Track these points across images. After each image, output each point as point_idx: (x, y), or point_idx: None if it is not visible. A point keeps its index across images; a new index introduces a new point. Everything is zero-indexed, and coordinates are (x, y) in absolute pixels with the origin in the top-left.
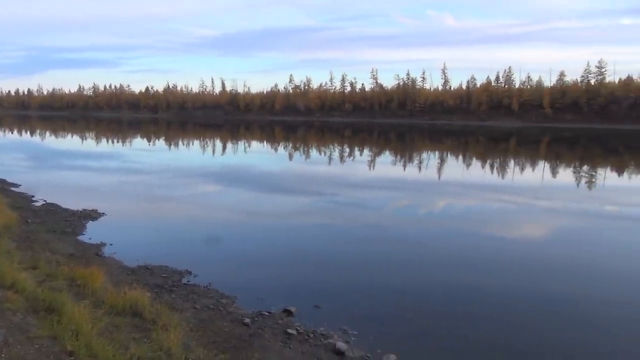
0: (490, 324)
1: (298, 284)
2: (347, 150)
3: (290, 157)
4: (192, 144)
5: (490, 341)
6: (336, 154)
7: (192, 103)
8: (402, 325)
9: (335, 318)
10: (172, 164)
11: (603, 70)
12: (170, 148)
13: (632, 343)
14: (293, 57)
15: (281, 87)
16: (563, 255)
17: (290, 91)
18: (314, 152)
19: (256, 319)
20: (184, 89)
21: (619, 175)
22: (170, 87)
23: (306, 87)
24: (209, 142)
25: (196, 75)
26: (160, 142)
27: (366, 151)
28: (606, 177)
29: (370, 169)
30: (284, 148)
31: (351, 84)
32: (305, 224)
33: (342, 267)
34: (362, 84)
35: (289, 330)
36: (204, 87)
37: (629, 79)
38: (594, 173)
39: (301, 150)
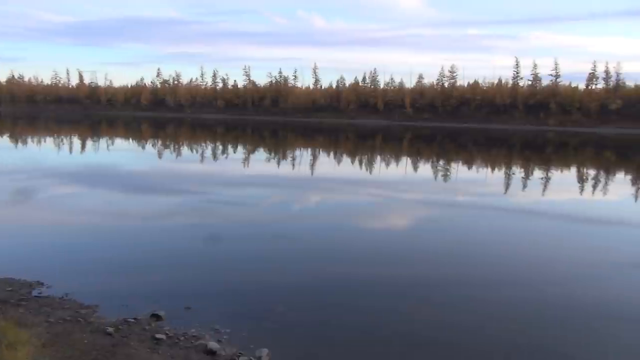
0: (359, 312)
1: (167, 286)
2: (220, 147)
3: (160, 155)
4: (44, 142)
5: (360, 329)
6: (208, 151)
7: (44, 96)
8: (275, 320)
9: (207, 318)
10: (19, 164)
11: (455, 74)
12: (16, 146)
13: (504, 321)
14: (161, 50)
15: (148, 82)
16: (430, 242)
17: (159, 86)
18: (184, 150)
19: (120, 327)
20: (32, 80)
21: (468, 168)
22: (16, 77)
23: (175, 82)
24: (64, 139)
25: (47, 65)
26: (4, 140)
27: (240, 148)
28: (458, 170)
29: (244, 166)
30: (152, 145)
31: (223, 81)
32: (174, 224)
33: (213, 266)
34: (235, 81)
35: (158, 335)
36: (58, 78)
37: (476, 83)
38: (448, 167)
39: (171, 147)
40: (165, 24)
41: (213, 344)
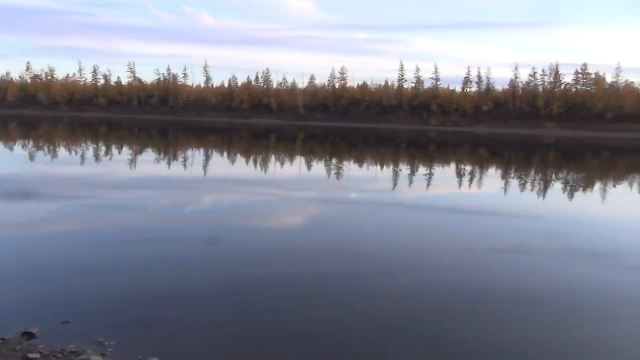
0: (253, 313)
1: (41, 301)
2: (103, 148)
3: (31, 157)
4: None
5: (254, 330)
6: (90, 152)
7: None
8: (163, 327)
9: (89, 331)
10: None
11: (345, 76)
12: None
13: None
14: (33, 43)
15: (15, 76)
16: (323, 239)
17: (29, 81)
18: (61, 151)
19: None
20: None
21: (360, 166)
22: None
23: (49, 77)
24: None
25: None
26: None
27: (125, 149)
28: (350, 168)
29: (130, 167)
30: (21, 147)
31: (105, 77)
32: (49, 232)
33: (95, 275)
34: (118, 77)
35: (31, 355)
36: None
37: (365, 84)
38: (341, 165)
39: (45, 149)
40: (38, 13)
41: (95, 358)
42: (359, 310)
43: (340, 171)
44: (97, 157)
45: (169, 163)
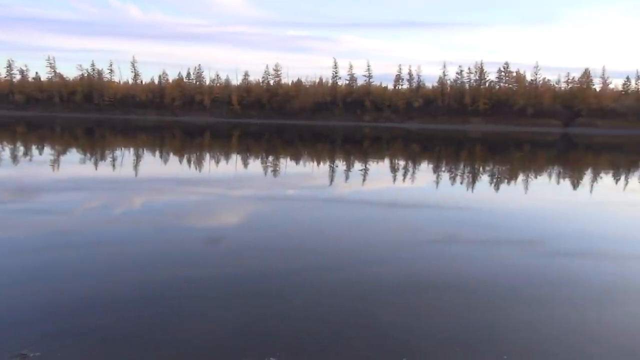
0: (188, 316)
1: None
2: (22, 148)
3: None
4: None
5: (189, 333)
6: (6, 153)
7: None
8: (93, 336)
9: (12, 343)
10: None
11: (279, 73)
12: None
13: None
14: None
15: None
16: (260, 237)
17: None
18: None
19: None
20: None
21: (297, 163)
22: None
23: None
24: None
25: None
26: None
27: (48, 149)
28: (287, 164)
29: (54, 169)
30: None
31: (22, 72)
32: None
33: (18, 285)
34: (37, 73)
35: None
36: None
37: (299, 81)
38: (277, 162)
39: None
40: None
41: None
42: (298, 306)
43: (277, 168)
44: (14, 158)
45: (96, 164)
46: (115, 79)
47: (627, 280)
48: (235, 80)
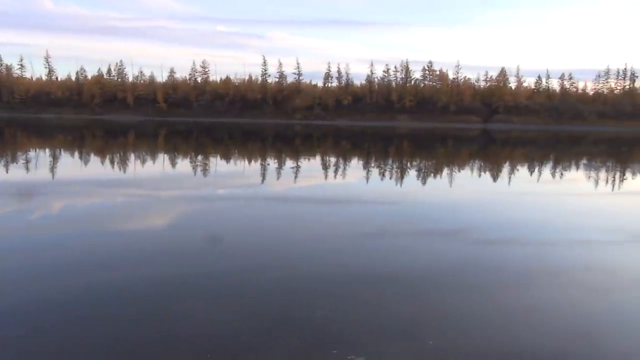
0: (109, 320)
1: None
2: None
3: None
4: None
5: (110, 337)
6: None
7: None
8: (7, 350)
9: None
10: None
11: (207, 70)
12: None
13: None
14: None
15: None
16: (185, 239)
17: None
18: None
19: None
20: None
21: (227, 162)
22: None
23: None
24: None
25: None
26: None
27: None
28: (217, 163)
29: None
30: None
31: None
32: None
33: None
34: None
35: None
36: None
37: (228, 79)
38: (207, 161)
39: None
40: None
41: None
42: (234, 304)
43: (208, 167)
44: None
45: (6, 167)
46: (27, 74)
47: (548, 264)
48: (161, 78)
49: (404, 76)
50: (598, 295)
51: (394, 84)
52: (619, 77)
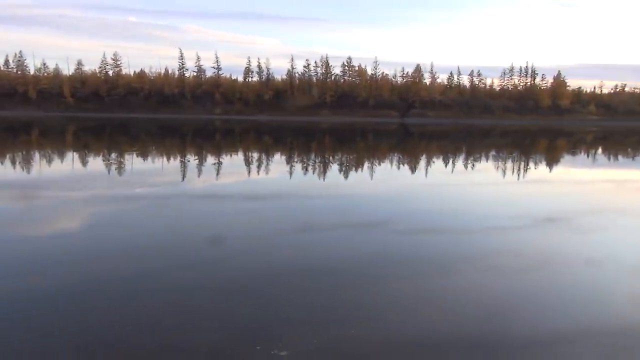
0: (31, 325)
1: None
2: None
3: None
4: None
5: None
6: None
7: None
8: None
9: None
10: None
11: (119, 62)
12: None
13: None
14: None
15: None
16: (103, 241)
17: None
18: None
19: None
20: None
21: (144, 159)
22: None
23: None
24: None
25: None
26: None
27: None
28: (133, 161)
29: None
30: None
31: None
32: None
33: None
34: None
35: None
36: None
37: (142, 72)
38: (122, 159)
39: None
40: None
41: None
42: (153, 307)
43: (122, 166)
44: None
45: None
46: None
47: (463, 251)
48: (67, 70)
49: (324, 71)
50: (510, 277)
51: (314, 79)
52: (522, 75)
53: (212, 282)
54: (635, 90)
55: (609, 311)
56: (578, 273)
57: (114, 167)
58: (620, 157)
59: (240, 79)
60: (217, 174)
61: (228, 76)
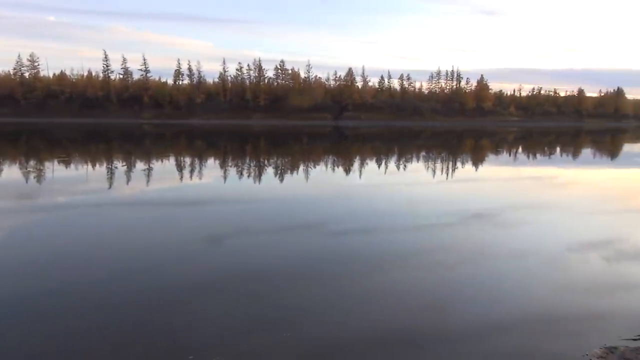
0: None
1: None
2: None
3: None
4: None
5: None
6: None
7: None
8: None
9: None
10: None
11: (36, 64)
12: None
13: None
14: None
15: None
16: (19, 254)
17: None
18: None
19: None
20: None
21: (66, 167)
22: None
23: None
24: None
25: None
26: None
27: None
28: (54, 169)
29: None
30: None
31: None
32: None
33: None
34: None
35: None
36: None
37: (63, 74)
38: (41, 167)
39: None
40: None
41: None
42: (59, 324)
43: (42, 173)
44: None
45: None
46: None
47: (397, 248)
48: None
49: (257, 74)
50: (442, 272)
51: (247, 82)
52: (448, 78)
53: (138, 294)
54: (550, 93)
55: (531, 299)
56: (503, 265)
57: (32, 174)
58: (538, 155)
59: (170, 81)
60: (148, 180)
61: (157, 79)
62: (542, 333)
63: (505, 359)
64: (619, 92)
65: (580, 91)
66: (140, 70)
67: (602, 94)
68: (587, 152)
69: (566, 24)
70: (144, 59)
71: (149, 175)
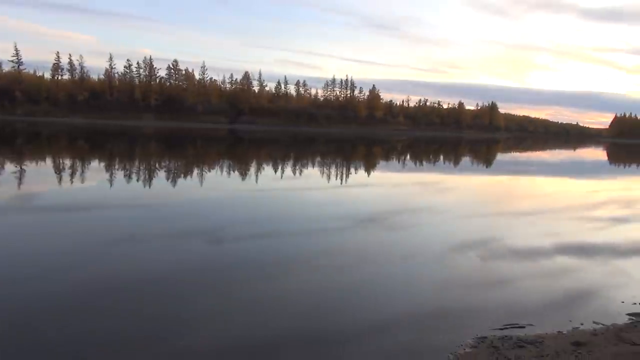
0: None
1: None
2: None
3: None
4: None
5: None
6: None
7: None
8: None
9: None
10: None
11: None
12: None
13: None
14: None
15: None
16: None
17: None
18: None
19: None
20: None
21: None
22: None
23: None
24: None
25: None
26: None
27: None
28: None
29: None
30: None
31: None
32: None
33: None
34: None
35: None
36: None
37: None
38: None
39: None
40: None
41: None
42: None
43: None
44: None
45: None
46: None
47: (293, 253)
48: None
49: (147, 73)
50: (335, 274)
51: (137, 80)
52: (343, 87)
53: (35, 303)
54: (435, 105)
55: (415, 298)
56: (391, 266)
57: None
58: (424, 162)
59: (48, 76)
60: (20, 183)
61: (32, 72)
62: (425, 329)
63: (391, 357)
64: (493, 106)
65: (461, 104)
66: (12, 61)
67: (479, 107)
68: (466, 160)
69: (451, 42)
70: (16, 49)
71: (20, 179)
